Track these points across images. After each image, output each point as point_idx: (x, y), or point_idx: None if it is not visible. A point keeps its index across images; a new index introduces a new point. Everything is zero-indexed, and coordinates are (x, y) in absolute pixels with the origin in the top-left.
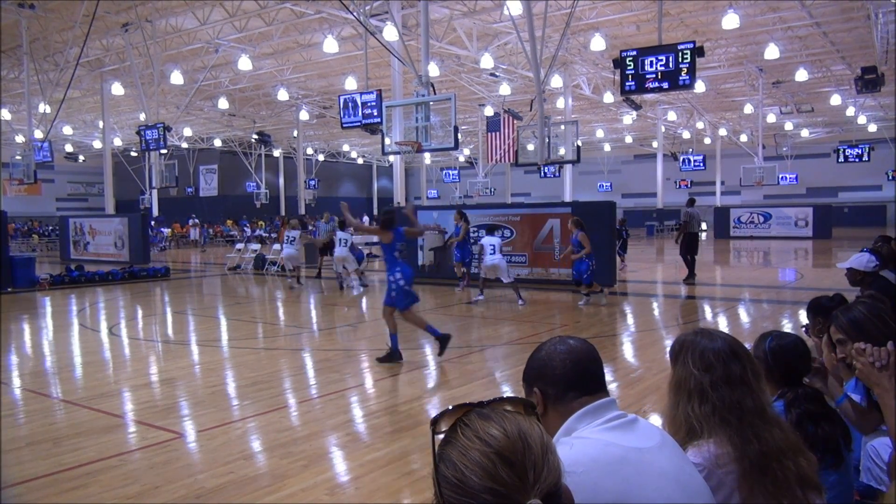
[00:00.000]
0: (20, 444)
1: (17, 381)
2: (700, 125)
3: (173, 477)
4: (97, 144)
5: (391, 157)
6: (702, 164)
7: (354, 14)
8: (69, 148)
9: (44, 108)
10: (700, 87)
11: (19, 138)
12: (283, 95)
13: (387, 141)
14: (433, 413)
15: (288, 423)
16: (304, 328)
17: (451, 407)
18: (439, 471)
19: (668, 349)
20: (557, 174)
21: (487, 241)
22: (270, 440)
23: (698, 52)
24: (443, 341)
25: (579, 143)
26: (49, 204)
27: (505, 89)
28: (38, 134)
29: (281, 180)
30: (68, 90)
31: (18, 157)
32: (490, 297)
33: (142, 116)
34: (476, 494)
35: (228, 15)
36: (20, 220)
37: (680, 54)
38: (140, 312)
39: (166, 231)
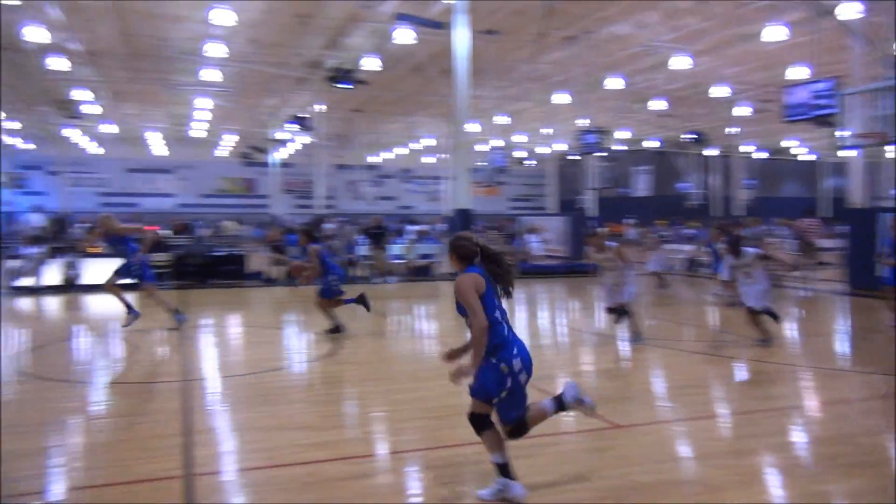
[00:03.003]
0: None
1: None
2: None
3: (607, 465)
4: (542, 150)
5: (846, 153)
6: None
7: None
8: (520, 153)
9: (501, 120)
10: None
11: (481, 147)
12: (720, 91)
13: (841, 134)
14: None
15: (722, 433)
16: (740, 336)
17: None
18: None
19: None
20: None
21: None
22: (702, 447)
23: None
24: None
25: None
26: (502, 204)
27: None
28: (496, 143)
29: (716, 180)
30: (519, 104)
31: (482, 164)
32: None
33: (582, 122)
34: None
35: (664, 17)
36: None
37: None
38: (577, 306)
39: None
